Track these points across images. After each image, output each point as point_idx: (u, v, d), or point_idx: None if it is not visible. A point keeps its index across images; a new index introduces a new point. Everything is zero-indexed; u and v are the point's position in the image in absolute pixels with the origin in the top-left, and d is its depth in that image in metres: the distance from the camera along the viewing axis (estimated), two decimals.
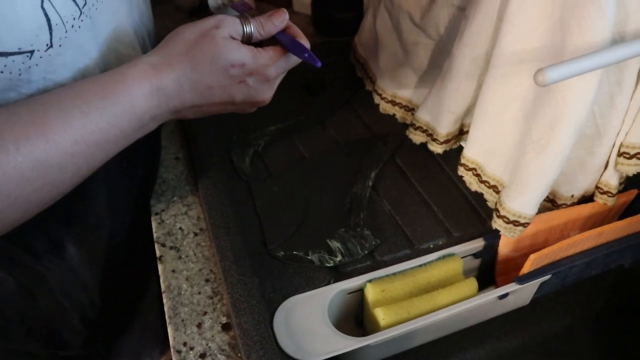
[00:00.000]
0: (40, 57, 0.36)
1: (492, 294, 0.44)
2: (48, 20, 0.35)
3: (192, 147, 0.56)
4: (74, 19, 0.38)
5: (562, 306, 0.54)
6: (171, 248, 0.49)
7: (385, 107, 0.62)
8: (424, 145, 0.55)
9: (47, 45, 0.36)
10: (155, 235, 0.50)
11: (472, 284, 0.46)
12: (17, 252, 0.47)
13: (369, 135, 0.61)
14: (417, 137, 0.55)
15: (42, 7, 0.35)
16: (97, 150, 0.37)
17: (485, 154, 0.49)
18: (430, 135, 0.54)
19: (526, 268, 0.44)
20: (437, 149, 0.54)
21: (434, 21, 0.54)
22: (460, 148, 0.52)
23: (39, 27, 0.35)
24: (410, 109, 0.60)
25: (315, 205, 0.52)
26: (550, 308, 0.53)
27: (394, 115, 0.61)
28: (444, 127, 0.52)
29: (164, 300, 0.45)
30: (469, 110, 0.51)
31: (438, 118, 0.52)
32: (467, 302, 0.44)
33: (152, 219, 0.52)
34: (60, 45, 0.37)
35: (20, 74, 0.36)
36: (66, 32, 0.37)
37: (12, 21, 0.33)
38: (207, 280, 0.47)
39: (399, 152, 0.58)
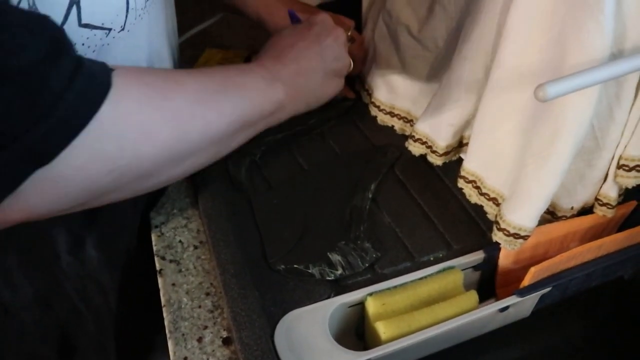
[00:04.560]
0: (113, 38, 0.38)
1: (493, 307, 0.44)
2: (127, 1, 0.37)
3: None
4: (141, 8, 0.40)
5: (561, 317, 0.54)
6: (171, 261, 0.49)
7: (383, 119, 0.62)
8: (423, 157, 0.55)
9: (121, 27, 0.38)
10: (155, 248, 0.50)
11: (472, 297, 0.46)
12: (40, 245, 0.48)
13: (368, 147, 0.61)
14: (416, 149, 0.55)
15: None
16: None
17: (484, 167, 0.49)
18: (429, 147, 0.54)
19: (527, 280, 0.44)
20: (436, 160, 0.54)
21: (431, 34, 0.54)
22: (460, 160, 0.53)
23: (120, 7, 0.37)
24: (409, 120, 0.60)
25: (315, 217, 0.52)
26: (550, 319, 0.53)
27: (393, 126, 0.62)
28: (444, 139, 0.52)
29: (164, 315, 0.45)
30: (469, 123, 0.51)
31: (437, 130, 0.52)
32: (467, 316, 0.44)
33: (152, 231, 0.51)
34: (128, 31, 0.39)
35: (94, 51, 0.37)
36: (134, 19, 0.39)
37: None
38: (207, 294, 0.47)
39: (399, 164, 0.58)
